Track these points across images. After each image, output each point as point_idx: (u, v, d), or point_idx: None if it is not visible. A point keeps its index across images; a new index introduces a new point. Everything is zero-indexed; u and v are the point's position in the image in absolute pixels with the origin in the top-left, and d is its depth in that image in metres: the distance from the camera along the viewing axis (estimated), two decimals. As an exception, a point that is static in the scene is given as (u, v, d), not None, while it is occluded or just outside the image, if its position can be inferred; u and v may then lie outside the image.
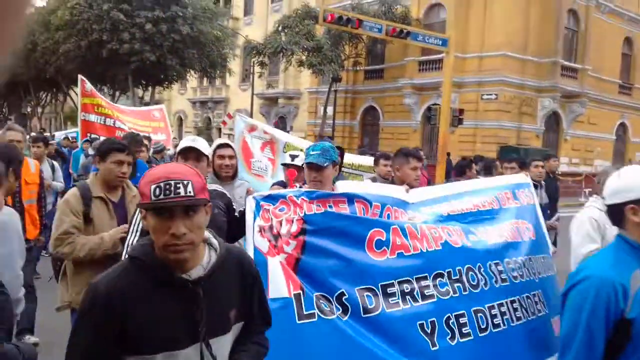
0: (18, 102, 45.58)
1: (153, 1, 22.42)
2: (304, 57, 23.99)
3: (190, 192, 1.43)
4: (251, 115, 30.85)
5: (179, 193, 1.42)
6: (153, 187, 1.42)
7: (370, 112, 28.11)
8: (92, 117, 9.37)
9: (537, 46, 22.67)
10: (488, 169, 6.68)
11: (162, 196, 1.41)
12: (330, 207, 2.98)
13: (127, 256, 1.52)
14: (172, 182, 1.42)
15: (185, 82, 33.68)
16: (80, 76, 9.60)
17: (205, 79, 35.60)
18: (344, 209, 3.02)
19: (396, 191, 3.46)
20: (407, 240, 3.03)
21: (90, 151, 8.70)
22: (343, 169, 6.14)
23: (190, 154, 3.08)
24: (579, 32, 24.56)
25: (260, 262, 2.58)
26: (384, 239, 2.98)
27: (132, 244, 2.95)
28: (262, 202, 2.87)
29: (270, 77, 31.20)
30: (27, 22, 0.36)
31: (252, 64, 27.71)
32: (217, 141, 3.95)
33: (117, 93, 30.48)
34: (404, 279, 2.92)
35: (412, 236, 3.07)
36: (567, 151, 24.68)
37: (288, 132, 32.14)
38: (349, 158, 6.94)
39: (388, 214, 3.18)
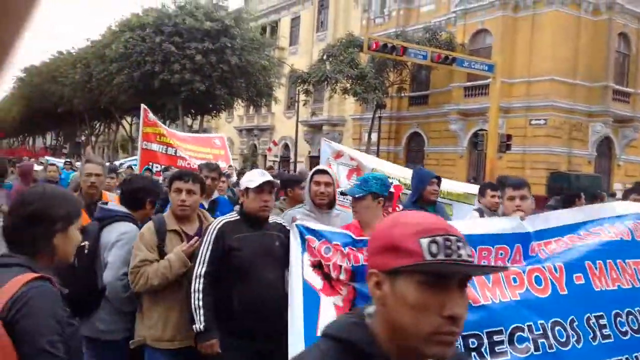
0: (73, 131, 47.64)
1: (203, 33, 23.16)
2: (348, 85, 24.23)
3: (469, 255, 1.03)
4: (296, 142, 31.29)
5: (461, 255, 1.01)
6: (426, 241, 1.00)
7: (415, 138, 28.01)
8: (154, 146, 9.32)
9: (587, 70, 22.21)
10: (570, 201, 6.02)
11: (442, 256, 0.99)
12: None
13: (325, 334, 1.10)
14: (453, 239, 1.01)
15: (233, 111, 34.44)
16: (142, 105, 9.57)
17: (251, 107, 36.34)
18: None
19: (508, 222, 2.93)
20: (474, 289, 2.57)
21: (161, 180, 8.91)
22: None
23: (265, 188, 3.10)
24: (630, 55, 23.95)
25: (311, 297, 2.57)
26: None
27: (201, 274, 3.00)
28: (307, 237, 2.72)
29: (315, 104, 31.55)
30: (22, 33, 0.36)
31: (297, 92, 28.16)
32: (316, 167, 3.88)
33: (167, 122, 31.45)
34: (470, 332, 2.45)
35: (482, 284, 2.61)
36: (620, 177, 23.85)
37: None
38: (398, 174, 6.44)
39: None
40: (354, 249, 2.70)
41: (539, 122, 22.15)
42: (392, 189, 4.26)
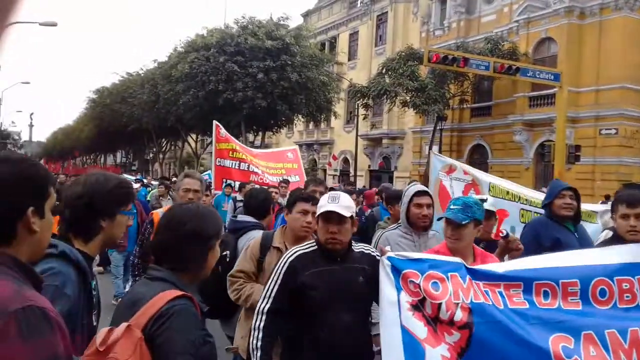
0: (142, 149, 49.62)
1: (264, 52, 23.73)
2: (408, 98, 24.12)
3: None
4: (355, 156, 31.35)
5: None
6: None
7: (477, 150, 27.50)
8: (227, 163, 9.20)
9: (660, 77, 21.21)
10: None
11: None
12: (501, 294, 2.38)
13: None
14: None
15: (293, 126, 34.98)
16: (215, 122, 9.44)
17: (311, 122, 36.80)
18: (520, 302, 2.38)
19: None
20: (607, 354, 2.27)
21: (239, 197, 8.92)
22: (522, 206, 5.54)
23: (333, 217, 2.69)
24: None
25: (413, 351, 2.24)
26: (571, 347, 2.30)
27: (264, 311, 2.70)
28: (405, 271, 2.37)
29: (374, 118, 31.59)
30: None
31: (356, 107, 28.28)
32: (414, 187, 3.65)
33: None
34: None
35: (615, 347, 2.29)
36: (699, 187, 22.51)
37: (392, 172, 32.39)
38: (520, 190, 5.83)
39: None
40: (473, 280, 2.37)
41: (610, 131, 21.30)
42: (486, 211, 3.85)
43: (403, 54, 24.72)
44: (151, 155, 49.56)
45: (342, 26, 39.39)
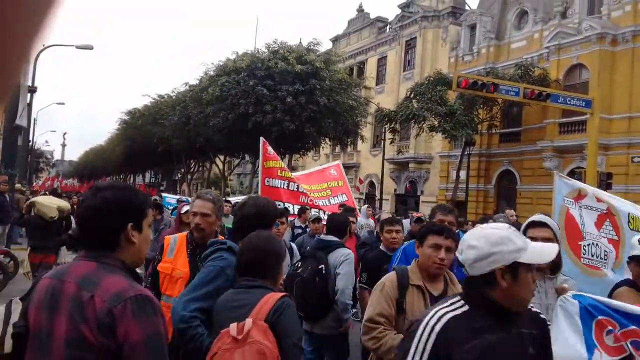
0: (170, 169, 50.38)
1: (294, 76, 24.04)
2: (436, 123, 24.08)
3: None
4: (382, 180, 31.35)
5: None
6: None
7: (506, 176, 27.21)
8: (277, 182, 8.49)
9: (695, 104, 20.80)
10: None
11: None
12: None
13: None
14: None
15: (320, 149, 35.17)
16: (262, 138, 8.77)
17: (338, 145, 36.94)
18: None
19: None
20: None
21: (298, 222, 8.58)
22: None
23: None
24: None
25: None
26: None
27: None
28: (601, 317, 2.00)
29: (401, 142, 31.59)
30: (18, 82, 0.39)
31: (383, 131, 28.33)
32: (530, 218, 3.13)
33: (258, 161, 32.54)
34: None
35: None
36: None
37: (419, 196, 32.28)
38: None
39: None
40: None
41: (643, 159, 20.89)
42: None
43: (431, 78, 24.77)
44: (179, 175, 50.24)
45: (370, 51, 39.74)
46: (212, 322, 2.57)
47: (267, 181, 8.39)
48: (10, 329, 1.87)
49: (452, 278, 3.06)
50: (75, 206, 16.03)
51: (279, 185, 8.48)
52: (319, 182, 9.63)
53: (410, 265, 3.12)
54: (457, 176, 25.51)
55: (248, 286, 2.51)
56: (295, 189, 8.65)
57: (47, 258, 9.10)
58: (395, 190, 33.98)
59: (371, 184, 37.20)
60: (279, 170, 8.58)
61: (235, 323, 2.30)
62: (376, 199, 32.59)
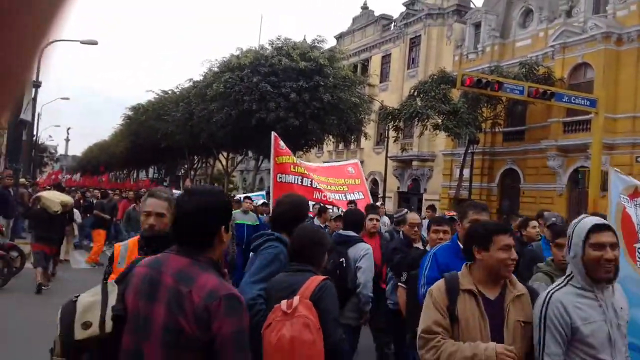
0: (174, 165, 50.45)
1: (298, 72, 24.03)
2: (439, 121, 24.04)
3: None
4: (385, 178, 31.32)
5: None
6: None
7: (509, 174, 27.18)
8: (289, 178, 8.27)
9: (701, 104, 20.73)
10: None
11: None
12: None
13: None
14: None
15: (323, 146, 35.17)
16: (273, 133, 8.66)
17: (341, 142, 36.93)
18: None
19: None
20: None
21: (317, 221, 8.13)
22: None
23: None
24: None
25: None
26: None
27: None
28: None
29: (405, 140, 31.56)
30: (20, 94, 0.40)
31: (386, 128, 28.30)
32: (590, 220, 2.72)
33: (261, 157, 32.54)
34: None
35: None
36: None
37: (422, 194, 32.24)
38: None
39: None
40: None
41: (647, 159, 20.85)
42: None
43: (435, 76, 24.74)
44: (182, 171, 50.31)
45: (374, 48, 39.66)
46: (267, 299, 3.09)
47: (280, 177, 8.22)
48: (109, 311, 2.09)
49: (512, 279, 2.78)
50: (81, 201, 16.14)
51: (292, 181, 8.30)
52: (336, 177, 9.35)
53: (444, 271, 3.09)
54: (461, 174, 25.49)
55: (296, 270, 3.05)
56: (309, 185, 8.43)
57: (51, 249, 9.89)
58: (398, 188, 33.95)
59: (374, 182, 37.17)
60: (292, 166, 8.39)
61: (285, 300, 2.80)
62: (379, 196, 32.57)
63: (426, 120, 24.08)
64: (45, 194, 10.69)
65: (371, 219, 6.52)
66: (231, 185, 43.99)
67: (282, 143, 8.54)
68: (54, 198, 10.00)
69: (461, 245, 3.57)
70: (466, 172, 25.53)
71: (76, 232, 13.33)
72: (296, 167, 8.44)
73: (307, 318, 2.71)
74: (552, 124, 23.40)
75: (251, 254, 3.64)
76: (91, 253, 13.76)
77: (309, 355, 2.68)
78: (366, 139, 32.47)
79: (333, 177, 9.26)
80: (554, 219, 7.07)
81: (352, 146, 39.14)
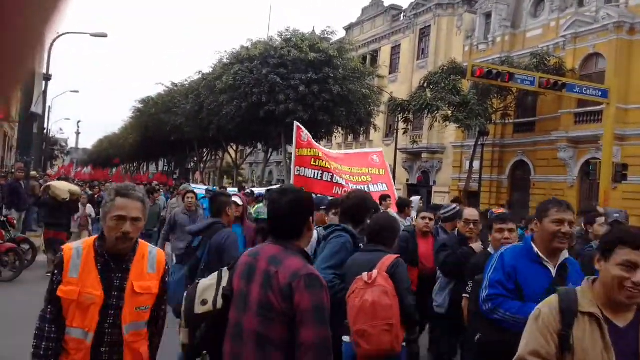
0: (183, 158, 50.64)
1: (307, 64, 23.96)
2: (449, 112, 23.89)
3: None
4: (394, 170, 31.15)
5: None
6: None
7: (520, 166, 27.01)
8: (309, 172, 7.93)
9: None
10: None
11: None
12: None
13: None
14: None
15: (332, 138, 35.17)
16: (296, 123, 8.40)
17: (350, 134, 36.85)
18: None
19: None
20: None
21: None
22: None
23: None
24: None
25: None
26: None
27: None
28: None
29: (414, 131, 31.45)
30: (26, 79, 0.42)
31: (396, 120, 28.18)
32: None
33: (270, 150, 32.56)
34: None
35: None
36: None
37: (431, 186, 32.09)
38: None
39: None
40: None
41: (659, 150, 20.64)
42: None
43: (445, 67, 24.56)
44: (192, 164, 50.49)
45: (384, 39, 39.46)
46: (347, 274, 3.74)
47: (298, 170, 7.91)
48: (220, 291, 2.57)
49: None
50: (96, 196, 15.97)
51: (311, 176, 7.94)
52: (360, 165, 8.82)
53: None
54: (471, 166, 25.36)
55: (373, 250, 3.78)
56: (329, 180, 8.00)
57: (60, 234, 10.55)
58: (407, 180, 33.86)
59: (383, 174, 37.11)
60: (313, 159, 8.00)
61: (366, 272, 3.48)
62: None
63: (436, 111, 23.93)
64: (54, 183, 11.67)
65: (424, 218, 6.07)
66: (240, 178, 44.11)
67: (304, 134, 8.13)
68: (62, 187, 10.88)
69: (536, 249, 3.20)
70: (476, 164, 25.39)
71: (91, 227, 12.95)
72: (317, 161, 8.01)
73: (385, 287, 3.40)
74: (563, 115, 23.20)
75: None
76: None
77: (388, 317, 3.33)
78: (375, 130, 32.37)
79: (357, 167, 8.73)
80: (616, 215, 6.24)
81: (361, 138, 39.07)
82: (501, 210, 8.12)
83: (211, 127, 29.49)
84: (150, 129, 42.00)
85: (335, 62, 24.37)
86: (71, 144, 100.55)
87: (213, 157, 47.81)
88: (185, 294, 2.78)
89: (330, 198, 7.72)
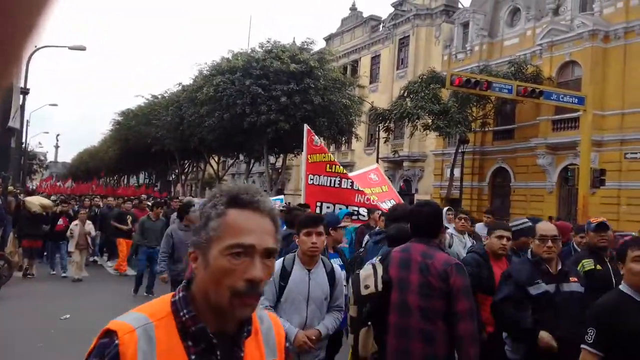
0: (164, 170, 50.22)
1: (288, 75, 23.98)
2: (429, 121, 24.09)
3: None
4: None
5: None
6: None
7: (500, 173, 27.32)
8: (324, 180, 7.30)
9: (688, 100, 20.94)
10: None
11: None
12: None
13: None
14: None
15: (314, 148, 35.12)
16: (306, 126, 7.92)
17: (332, 144, 36.92)
18: None
19: None
20: None
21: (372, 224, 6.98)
22: None
23: None
24: None
25: None
26: None
27: None
28: None
29: (395, 140, 31.61)
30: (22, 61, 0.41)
31: (377, 129, 28.31)
32: None
33: (252, 161, 32.46)
34: None
35: None
36: None
37: (413, 194, 32.28)
38: None
39: None
40: None
41: (635, 155, 21.01)
42: None
43: (425, 77, 24.79)
44: (173, 176, 50.09)
45: (364, 50, 39.76)
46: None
47: (312, 179, 7.24)
48: (379, 278, 3.34)
49: None
50: (97, 209, 15.60)
51: (327, 184, 7.27)
52: (362, 186, 8.05)
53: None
54: (452, 174, 25.57)
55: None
56: (349, 187, 7.30)
57: (35, 243, 11.93)
58: (389, 188, 33.95)
59: (366, 183, 37.21)
60: (328, 165, 7.38)
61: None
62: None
63: (416, 120, 24.11)
64: (28, 198, 13.14)
65: (500, 237, 4.73)
66: (223, 189, 43.77)
67: (316, 138, 7.69)
68: (34, 201, 12.23)
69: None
70: (457, 171, 25.60)
71: (92, 247, 12.79)
72: (333, 167, 7.42)
73: None
74: (541, 122, 23.54)
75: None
76: (118, 261, 13.30)
77: None
78: (357, 140, 32.49)
79: (363, 187, 8.05)
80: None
81: (343, 148, 39.18)
82: (600, 219, 6.53)
83: (192, 139, 29.30)
84: (130, 141, 41.63)
85: (316, 73, 24.44)
86: (50, 157, 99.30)
87: (194, 169, 47.51)
88: (350, 281, 3.67)
89: (353, 208, 7.14)
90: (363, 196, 7.27)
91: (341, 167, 7.52)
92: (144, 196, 23.07)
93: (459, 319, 3.06)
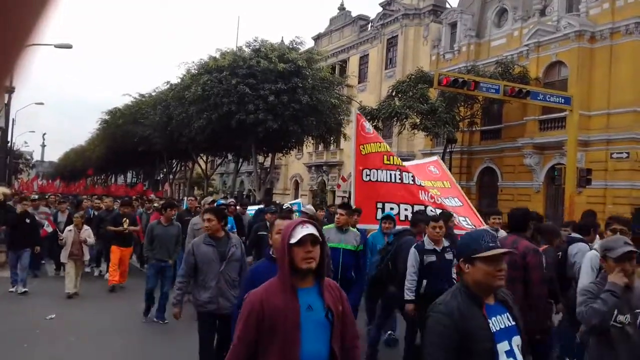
0: (152, 169, 49.93)
1: (276, 74, 23.90)
2: (417, 120, 24.16)
3: None
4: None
5: None
6: None
7: (487, 172, 27.46)
8: (382, 175, 6.01)
9: (672, 100, 21.18)
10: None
11: None
12: None
13: None
14: None
15: (302, 147, 35.19)
16: (356, 111, 6.84)
17: (321, 143, 36.92)
18: None
19: None
20: None
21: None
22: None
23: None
24: None
25: None
26: None
27: None
28: None
29: (384, 139, 31.56)
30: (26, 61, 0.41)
31: (366, 129, 28.29)
32: None
33: (241, 160, 32.34)
34: None
35: None
36: None
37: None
38: None
39: None
40: None
41: (621, 155, 21.22)
42: None
43: (413, 76, 24.87)
44: (161, 175, 49.81)
45: (352, 49, 39.80)
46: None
47: (367, 175, 5.92)
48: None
49: None
50: (93, 210, 14.64)
51: (385, 179, 5.97)
52: (421, 178, 6.82)
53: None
54: (440, 173, 25.59)
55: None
56: (411, 182, 6.04)
57: None
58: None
59: (354, 182, 37.22)
60: (386, 157, 6.08)
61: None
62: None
63: (404, 119, 24.18)
64: None
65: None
66: (211, 189, 43.72)
67: (367, 125, 6.37)
68: None
69: None
70: (445, 171, 25.65)
71: (87, 257, 10.85)
72: (391, 158, 6.14)
73: None
74: (528, 122, 23.70)
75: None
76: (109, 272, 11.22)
77: None
78: (345, 139, 32.44)
79: (424, 180, 6.86)
80: None
81: (332, 147, 39.17)
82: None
83: (181, 139, 29.13)
84: (118, 140, 41.34)
85: (304, 72, 24.38)
86: (36, 156, 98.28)
87: (182, 168, 47.28)
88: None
89: (419, 207, 5.96)
90: (426, 193, 6.09)
91: (399, 159, 6.26)
92: (153, 196, 22.53)
93: (533, 286, 4.56)
